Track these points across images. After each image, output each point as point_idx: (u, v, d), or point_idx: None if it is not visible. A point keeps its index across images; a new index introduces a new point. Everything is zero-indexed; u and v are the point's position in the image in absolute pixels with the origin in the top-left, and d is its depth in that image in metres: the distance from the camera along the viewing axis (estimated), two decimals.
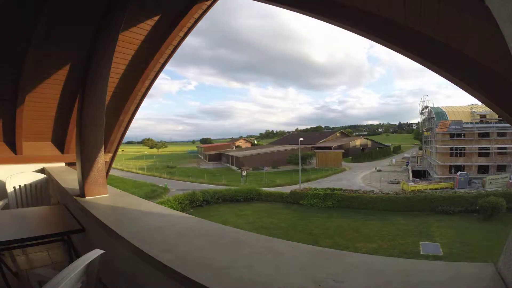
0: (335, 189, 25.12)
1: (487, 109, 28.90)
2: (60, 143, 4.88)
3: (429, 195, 22.89)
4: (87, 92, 2.82)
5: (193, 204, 24.51)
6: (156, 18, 3.58)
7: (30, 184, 3.67)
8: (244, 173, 38.27)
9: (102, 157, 3.03)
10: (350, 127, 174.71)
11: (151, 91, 4.67)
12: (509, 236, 1.04)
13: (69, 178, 3.72)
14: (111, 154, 5.29)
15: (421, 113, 44.04)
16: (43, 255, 2.50)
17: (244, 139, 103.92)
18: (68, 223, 2.41)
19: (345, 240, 17.31)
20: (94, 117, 2.87)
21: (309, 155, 47.40)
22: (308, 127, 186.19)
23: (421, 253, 14.99)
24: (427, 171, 38.13)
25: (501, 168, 32.16)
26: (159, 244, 1.60)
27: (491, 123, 32.79)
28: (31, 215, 2.79)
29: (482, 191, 23.91)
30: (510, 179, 27.97)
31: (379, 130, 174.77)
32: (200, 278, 1.20)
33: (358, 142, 68.12)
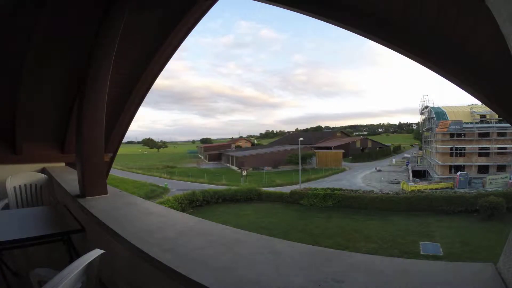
0: (335, 189, 25.11)
1: (487, 109, 28.90)
2: (60, 143, 4.88)
3: (429, 195, 22.90)
4: (87, 92, 2.82)
5: (193, 204, 24.50)
6: (156, 18, 3.57)
7: (30, 184, 3.67)
8: (244, 173, 38.27)
9: (102, 157, 3.03)
10: (350, 127, 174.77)
11: None
12: (509, 236, 1.04)
13: (69, 178, 3.71)
14: (111, 154, 5.28)
15: (421, 113, 44.05)
16: (43, 255, 2.50)
17: (244, 139, 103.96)
18: (68, 223, 2.41)
19: (345, 240, 17.30)
20: (94, 116, 2.87)
21: (309, 155, 47.41)
22: (308, 126, 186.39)
23: (421, 253, 14.99)
24: (427, 171, 38.14)
25: (501, 168, 32.15)
26: (159, 244, 1.60)
27: (491, 123, 32.79)
28: (31, 215, 2.79)
29: (482, 191, 23.92)
30: (510, 179, 27.96)
31: (379, 130, 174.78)
32: (200, 278, 1.20)
33: (358, 142, 68.12)
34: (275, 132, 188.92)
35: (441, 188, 28.27)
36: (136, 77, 4.27)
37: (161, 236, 1.74)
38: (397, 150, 71.69)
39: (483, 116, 33.82)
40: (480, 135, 33.37)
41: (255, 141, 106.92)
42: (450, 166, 33.87)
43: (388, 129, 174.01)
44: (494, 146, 32.46)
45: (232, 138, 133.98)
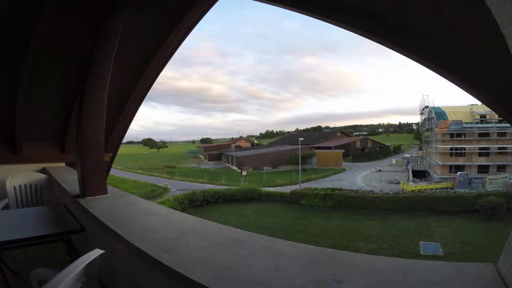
0: (335, 189, 25.13)
1: (487, 109, 28.90)
2: (60, 143, 4.88)
3: (429, 195, 22.91)
4: (87, 92, 2.82)
5: (193, 204, 24.50)
6: (157, 18, 3.57)
7: (30, 184, 3.67)
8: (244, 173, 38.27)
9: (102, 157, 3.03)
10: (350, 127, 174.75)
11: None
12: (509, 236, 1.03)
13: (69, 178, 3.71)
14: (111, 154, 5.28)
15: (421, 113, 44.06)
16: (43, 255, 2.50)
17: (244, 139, 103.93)
18: (68, 223, 2.41)
19: (345, 240, 17.31)
20: (94, 116, 2.87)
21: (309, 155, 47.40)
22: (309, 126, 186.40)
23: (421, 253, 15.00)
24: (427, 171, 38.12)
25: (501, 168, 32.16)
26: (159, 244, 1.60)
27: (491, 123, 32.79)
28: (31, 215, 2.79)
29: (482, 191, 23.93)
30: (510, 179, 27.96)
31: (379, 130, 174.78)
32: (200, 278, 1.20)
33: (358, 142, 68.12)
34: (275, 132, 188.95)
35: (441, 188, 28.27)
36: (136, 77, 4.27)
37: (161, 236, 1.74)
38: (397, 150, 71.68)
39: (483, 116, 33.82)
40: (480, 135, 33.38)
41: (255, 141, 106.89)
42: (450, 166, 33.87)
43: (388, 129, 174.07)
44: (494, 146, 32.46)
45: (232, 138, 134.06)
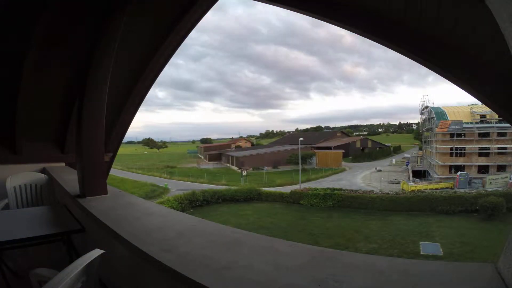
0: (335, 189, 25.13)
1: (487, 109, 28.91)
2: (60, 143, 4.88)
3: (429, 195, 22.91)
4: (87, 92, 2.82)
5: (193, 204, 24.51)
6: (157, 18, 3.58)
7: (30, 184, 3.67)
8: (244, 173, 38.28)
9: (102, 157, 3.03)
10: (350, 127, 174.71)
11: None
12: (509, 236, 1.03)
13: (69, 178, 3.71)
14: (111, 154, 5.28)
15: (421, 113, 44.05)
16: (43, 255, 2.51)
17: (244, 139, 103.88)
18: (68, 223, 2.41)
19: (345, 240, 17.31)
20: (94, 116, 2.87)
21: (309, 155, 47.40)
22: (308, 127, 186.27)
23: (421, 253, 15.00)
24: (427, 171, 38.11)
25: (501, 168, 32.15)
26: (159, 244, 1.60)
27: (491, 123, 32.79)
28: (31, 215, 2.79)
29: (482, 191, 23.92)
30: (510, 179, 27.95)
31: (379, 130, 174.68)
32: (200, 278, 1.20)
33: (358, 142, 68.12)
34: (275, 132, 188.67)
35: (441, 188, 28.27)
36: (136, 77, 4.27)
37: (161, 236, 1.74)
38: (397, 150, 71.65)
39: (483, 116, 33.81)
40: (480, 135, 33.37)
41: (255, 141, 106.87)
42: (450, 166, 33.86)
43: (388, 129, 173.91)
44: (494, 146, 32.46)
45: (232, 138, 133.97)
